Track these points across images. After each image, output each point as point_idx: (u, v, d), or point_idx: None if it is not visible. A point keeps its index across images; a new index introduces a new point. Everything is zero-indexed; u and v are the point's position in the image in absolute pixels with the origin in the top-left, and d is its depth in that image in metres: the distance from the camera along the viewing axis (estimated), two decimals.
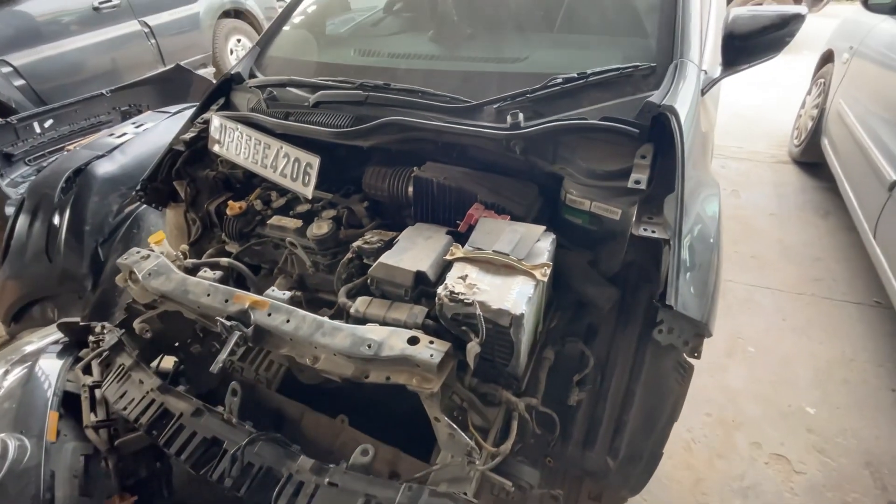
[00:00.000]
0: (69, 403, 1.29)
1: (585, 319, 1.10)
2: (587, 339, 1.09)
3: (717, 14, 1.70)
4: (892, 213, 1.71)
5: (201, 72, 4.24)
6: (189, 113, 2.91)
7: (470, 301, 0.85)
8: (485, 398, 0.96)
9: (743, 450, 1.55)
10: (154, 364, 1.35)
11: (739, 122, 3.63)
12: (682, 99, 1.11)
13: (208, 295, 1.04)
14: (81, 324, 1.49)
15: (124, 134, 2.58)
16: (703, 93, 1.36)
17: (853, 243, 2.34)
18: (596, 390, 1.06)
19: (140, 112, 3.58)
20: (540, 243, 0.98)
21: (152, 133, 2.59)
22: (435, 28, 1.62)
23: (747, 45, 1.33)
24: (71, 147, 3.11)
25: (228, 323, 0.95)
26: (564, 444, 1.10)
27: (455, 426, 0.87)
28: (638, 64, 1.17)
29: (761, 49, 1.33)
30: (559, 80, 1.16)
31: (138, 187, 1.55)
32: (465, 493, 0.82)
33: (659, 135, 1.06)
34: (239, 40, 5.19)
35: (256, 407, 1.29)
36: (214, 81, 4.12)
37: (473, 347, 0.88)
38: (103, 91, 3.68)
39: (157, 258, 1.17)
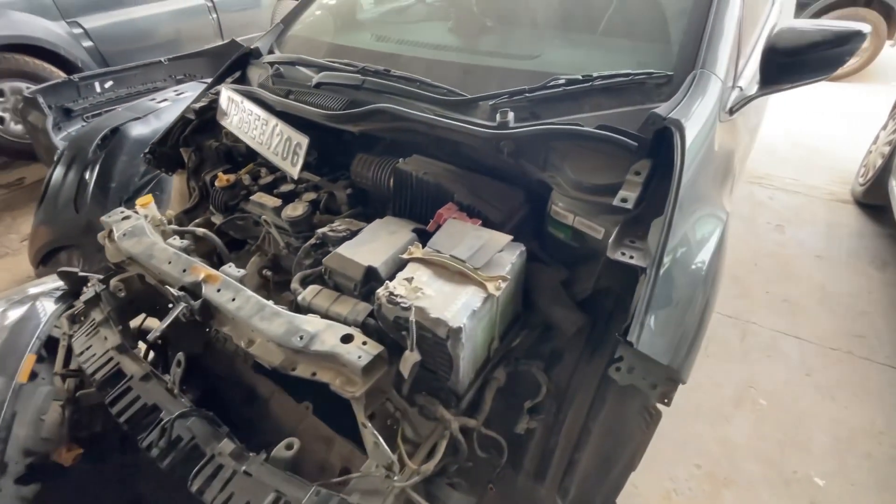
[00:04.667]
0: (54, 349, 1.34)
1: (551, 343, 1.00)
2: (550, 364, 0.99)
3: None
4: None
5: None
6: None
7: (407, 306, 0.79)
8: (422, 410, 0.89)
9: None
10: (136, 324, 1.38)
11: (801, 153, 3.31)
12: (694, 114, 0.99)
13: (169, 262, 1.04)
14: (80, 274, 1.55)
15: (164, 100, 2.69)
16: (731, 111, 1.22)
17: None
18: (550, 421, 0.96)
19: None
20: (503, 254, 0.90)
21: (188, 101, 2.68)
22: (454, 19, 1.56)
23: (792, 62, 1.17)
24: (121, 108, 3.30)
25: (176, 293, 0.94)
26: (515, 473, 1.02)
27: (378, 436, 0.82)
28: (652, 71, 1.06)
29: (808, 68, 1.17)
30: (561, 81, 1.07)
31: (147, 150, 1.59)
32: None
33: (661, 151, 0.94)
34: None
35: (232, 380, 1.30)
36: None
37: (412, 356, 0.82)
38: (161, 59, 3.88)
39: (136, 220, 1.18)
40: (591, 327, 0.98)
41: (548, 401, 0.96)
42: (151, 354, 1.40)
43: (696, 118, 0.98)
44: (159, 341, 1.19)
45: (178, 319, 0.99)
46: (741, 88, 1.27)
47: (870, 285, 2.17)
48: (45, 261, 2.36)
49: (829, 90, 4.38)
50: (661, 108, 0.97)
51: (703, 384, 1.75)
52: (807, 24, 1.17)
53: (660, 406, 0.92)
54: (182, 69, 4.03)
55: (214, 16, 4.43)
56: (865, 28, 1.15)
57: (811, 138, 3.50)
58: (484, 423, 0.94)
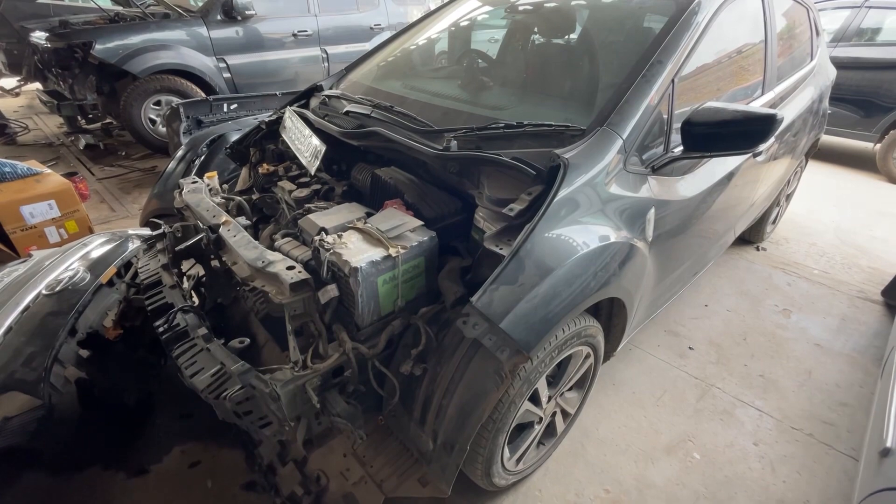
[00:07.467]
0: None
1: (447, 313, 1.27)
2: (442, 327, 1.26)
3: None
4: None
5: None
6: None
7: (329, 248, 1.14)
8: (332, 335, 1.21)
9: None
10: (187, 270, 1.87)
11: (846, 250, 3.19)
12: (587, 158, 1.27)
13: (207, 210, 1.50)
14: (160, 223, 2.12)
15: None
16: (655, 168, 1.46)
17: None
18: (432, 371, 1.22)
19: None
20: (413, 234, 1.22)
21: None
22: (462, 78, 1.98)
23: (709, 134, 1.38)
24: None
25: (202, 226, 1.39)
26: (408, 419, 1.27)
27: (295, 341, 1.15)
28: (570, 125, 1.36)
29: (723, 142, 1.38)
30: (501, 125, 1.41)
31: (228, 146, 2.17)
32: (273, 385, 1.08)
33: (554, 181, 1.23)
34: None
35: (243, 323, 1.71)
36: None
37: (331, 290, 1.16)
38: (276, 92, 4.85)
39: (199, 184, 1.69)
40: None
41: (432, 354, 1.22)
42: (195, 295, 1.86)
43: (586, 161, 1.26)
44: (193, 274, 1.64)
45: (204, 251, 1.44)
46: (672, 152, 1.51)
47: (864, 381, 2.08)
48: (149, 223, 3.07)
49: None
50: (562, 150, 1.27)
51: (643, 427, 1.82)
52: (723, 104, 1.39)
53: (509, 373, 1.15)
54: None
55: (326, 64, 5.42)
56: (779, 114, 1.36)
57: (863, 238, 3.35)
58: (381, 363, 1.23)
